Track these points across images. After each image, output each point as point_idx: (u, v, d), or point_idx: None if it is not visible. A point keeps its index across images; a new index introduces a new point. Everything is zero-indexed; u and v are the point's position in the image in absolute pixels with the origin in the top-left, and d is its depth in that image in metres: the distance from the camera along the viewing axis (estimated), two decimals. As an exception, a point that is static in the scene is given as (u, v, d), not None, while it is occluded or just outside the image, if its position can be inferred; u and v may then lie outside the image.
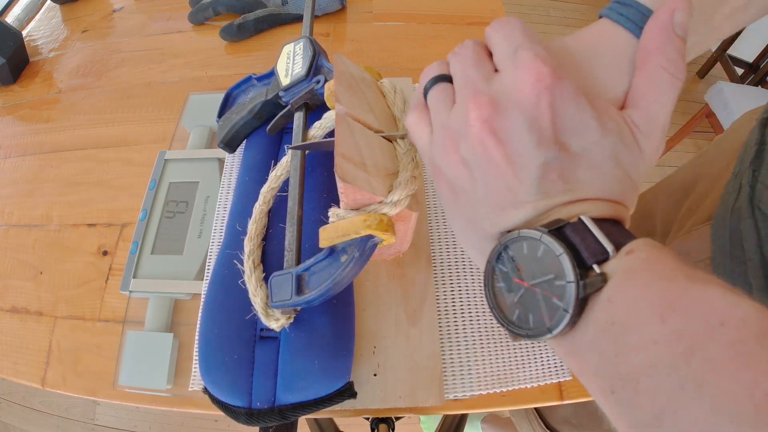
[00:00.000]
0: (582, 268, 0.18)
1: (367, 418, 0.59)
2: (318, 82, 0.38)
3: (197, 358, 0.35)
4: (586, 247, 0.18)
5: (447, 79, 0.23)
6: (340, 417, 0.41)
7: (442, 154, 0.22)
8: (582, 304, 0.18)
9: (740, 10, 0.25)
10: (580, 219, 0.19)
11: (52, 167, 0.50)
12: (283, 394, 0.31)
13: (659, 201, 0.62)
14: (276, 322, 0.32)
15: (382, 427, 0.56)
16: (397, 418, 0.57)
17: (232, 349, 0.32)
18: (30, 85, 0.59)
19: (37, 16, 0.69)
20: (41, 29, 0.67)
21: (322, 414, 0.34)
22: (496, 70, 0.22)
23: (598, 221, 0.19)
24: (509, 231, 0.21)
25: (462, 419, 0.68)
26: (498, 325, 0.37)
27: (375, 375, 0.35)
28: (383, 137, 0.31)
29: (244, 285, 0.34)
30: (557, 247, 0.19)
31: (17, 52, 0.59)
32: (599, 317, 0.18)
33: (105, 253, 0.44)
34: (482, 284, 0.22)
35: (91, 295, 0.41)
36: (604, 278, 0.18)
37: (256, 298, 0.33)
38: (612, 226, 0.19)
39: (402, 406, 0.34)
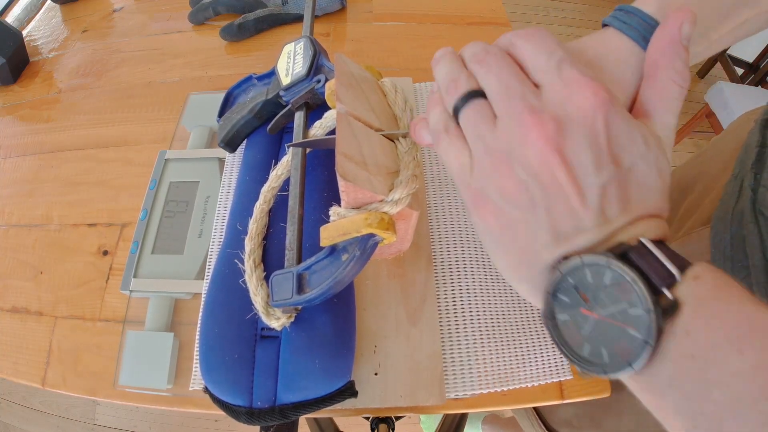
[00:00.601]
0: (654, 294, 0.17)
1: (367, 418, 0.59)
2: (319, 81, 0.38)
3: (198, 357, 0.35)
4: (654, 271, 0.18)
5: (479, 94, 0.21)
6: (340, 416, 0.41)
7: (496, 178, 0.20)
8: (659, 334, 0.17)
9: (739, 28, 0.25)
10: (641, 242, 0.18)
11: (52, 167, 0.50)
12: (283, 393, 0.31)
13: None
14: (277, 321, 0.32)
15: (382, 427, 0.56)
16: (397, 418, 0.57)
17: (233, 348, 0.32)
18: (30, 85, 0.59)
19: (37, 16, 0.69)
20: (41, 29, 0.67)
21: (322, 413, 0.34)
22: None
23: (657, 243, 0.19)
24: (566, 257, 0.20)
25: (462, 419, 0.68)
26: (498, 324, 0.37)
27: (376, 374, 0.35)
28: (384, 136, 0.31)
29: (245, 284, 0.34)
30: (629, 273, 0.18)
31: (17, 52, 0.59)
32: (678, 350, 0.17)
33: (105, 252, 0.44)
34: (541, 320, 0.21)
35: (92, 295, 0.41)
36: (677, 304, 0.17)
37: (257, 298, 0.33)
38: (667, 247, 0.19)
39: (403, 406, 0.34)
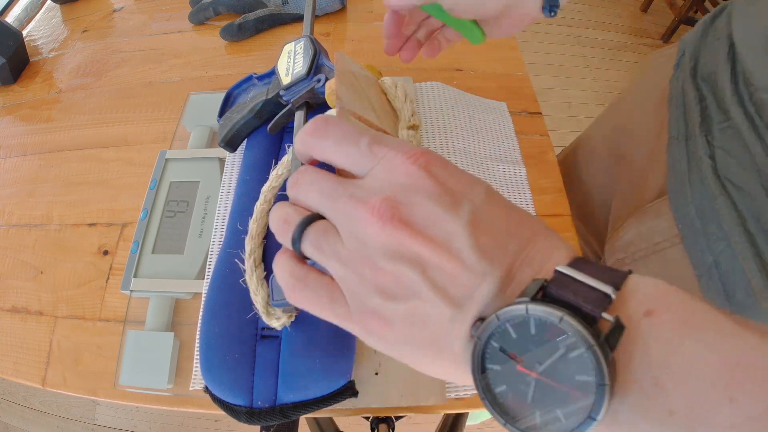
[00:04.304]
0: (591, 324, 0.15)
1: (367, 418, 0.59)
2: (319, 80, 0.38)
3: (198, 357, 0.35)
4: (583, 299, 0.15)
5: (314, 219, 0.20)
6: (340, 416, 0.41)
7: (367, 285, 0.18)
8: (612, 368, 0.15)
9: None
10: (557, 270, 0.16)
11: (52, 167, 0.50)
12: (284, 393, 0.31)
13: (585, 170, 0.59)
14: (277, 321, 0.32)
15: (382, 426, 0.56)
16: (397, 418, 0.57)
17: (233, 348, 0.32)
18: (30, 85, 0.59)
19: (37, 16, 0.69)
20: (41, 29, 0.67)
21: (323, 413, 0.34)
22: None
23: (576, 263, 0.17)
24: (480, 319, 0.17)
25: (458, 418, 0.68)
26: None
27: (376, 374, 0.35)
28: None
29: (245, 284, 0.34)
30: (552, 312, 0.15)
31: (17, 52, 0.59)
32: (650, 407, 0.14)
33: (105, 252, 0.44)
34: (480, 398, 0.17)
35: (92, 295, 0.41)
36: (620, 324, 0.15)
37: (257, 297, 0.33)
38: (587, 264, 0.17)
39: (404, 405, 0.34)
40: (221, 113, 0.45)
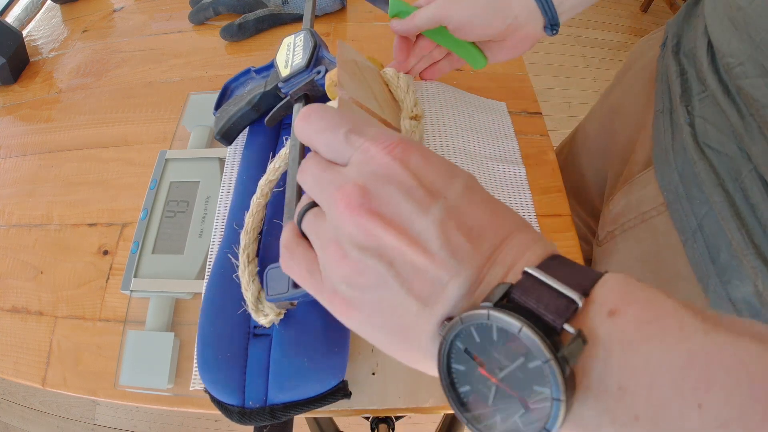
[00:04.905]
0: (552, 335, 0.14)
1: (367, 418, 0.59)
2: (319, 72, 0.37)
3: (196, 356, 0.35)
4: (546, 307, 0.15)
5: (315, 204, 0.21)
6: (339, 416, 0.41)
7: (336, 269, 0.18)
8: (568, 385, 0.14)
9: None
10: (525, 272, 0.16)
11: (52, 167, 0.50)
12: (274, 393, 0.31)
13: (582, 155, 0.60)
14: (265, 317, 0.31)
15: (382, 427, 0.56)
16: (397, 418, 0.57)
17: (226, 346, 0.32)
18: (30, 85, 0.59)
19: (37, 16, 0.69)
20: (41, 29, 0.67)
21: (317, 413, 0.33)
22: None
23: (547, 263, 0.16)
24: (448, 319, 0.17)
25: (456, 419, 0.68)
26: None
27: (374, 374, 0.35)
28: (387, 125, 0.31)
29: (238, 279, 0.33)
30: (512, 322, 0.15)
31: (17, 52, 0.59)
32: (617, 414, 0.14)
33: (105, 252, 0.44)
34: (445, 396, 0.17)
35: (92, 295, 0.41)
36: (583, 338, 0.14)
37: (248, 293, 0.32)
38: (559, 264, 0.16)
39: (402, 407, 0.34)
40: (217, 106, 0.44)
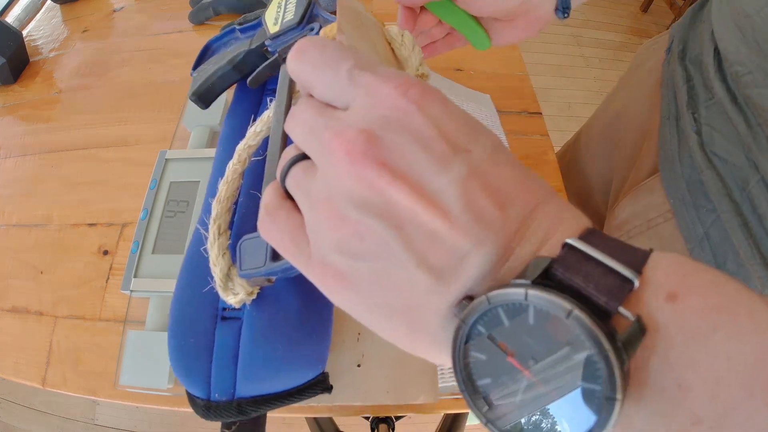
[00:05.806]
0: (604, 320, 0.12)
1: (367, 418, 0.59)
2: (312, 29, 0.33)
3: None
4: (596, 287, 0.12)
5: (303, 157, 0.17)
6: (340, 416, 0.41)
7: (328, 234, 0.15)
8: (626, 380, 0.12)
9: None
10: (567, 245, 0.13)
11: (52, 167, 0.50)
12: (243, 385, 0.26)
13: (586, 160, 0.60)
14: (234, 296, 0.27)
15: (382, 426, 0.56)
16: (398, 418, 0.57)
17: (191, 331, 0.28)
18: (30, 85, 0.59)
19: (37, 16, 0.69)
20: (41, 29, 0.67)
21: (296, 410, 0.32)
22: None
23: (588, 236, 0.14)
24: (468, 298, 0.14)
25: (458, 418, 0.67)
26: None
27: (359, 366, 0.31)
28: None
29: (206, 253, 0.28)
30: (560, 304, 0.12)
31: (17, 52, 0.59)
32: (674, 415, 0.12)
33: (105, 252, 0.44)
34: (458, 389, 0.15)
35: (92, 295, 0.41)
36: (641, 326, 0.12)
37: (216, 268, 0.27)
38: (603, 238, 0.14)
39: (389, 403, 0.31)
40: (196, 66, 0.39)
